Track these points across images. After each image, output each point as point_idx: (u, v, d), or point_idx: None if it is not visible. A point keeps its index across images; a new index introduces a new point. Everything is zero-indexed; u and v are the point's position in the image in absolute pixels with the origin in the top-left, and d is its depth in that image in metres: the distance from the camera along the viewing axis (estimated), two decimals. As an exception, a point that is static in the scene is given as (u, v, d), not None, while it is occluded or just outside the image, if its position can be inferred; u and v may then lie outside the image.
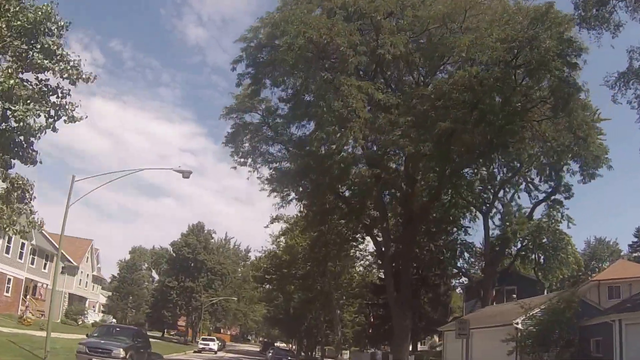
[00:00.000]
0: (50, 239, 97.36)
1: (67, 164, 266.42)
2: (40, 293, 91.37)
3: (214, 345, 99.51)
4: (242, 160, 56.54)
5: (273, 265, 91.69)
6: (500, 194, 67.20)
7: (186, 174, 39.14)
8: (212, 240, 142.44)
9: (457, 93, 43.51)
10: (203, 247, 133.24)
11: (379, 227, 59.78)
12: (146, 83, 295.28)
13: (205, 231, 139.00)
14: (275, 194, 57.59)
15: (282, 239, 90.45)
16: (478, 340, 47.68)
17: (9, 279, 76.07)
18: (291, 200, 58.48)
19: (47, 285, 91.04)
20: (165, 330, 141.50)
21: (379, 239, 60.02)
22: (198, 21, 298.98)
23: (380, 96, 44.07)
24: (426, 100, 44.67)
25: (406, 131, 43.07)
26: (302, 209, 63.70)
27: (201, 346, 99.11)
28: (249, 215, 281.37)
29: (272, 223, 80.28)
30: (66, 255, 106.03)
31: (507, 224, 66.24)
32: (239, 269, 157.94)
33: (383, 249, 58.72)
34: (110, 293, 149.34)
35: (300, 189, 56.74)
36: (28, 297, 78.76)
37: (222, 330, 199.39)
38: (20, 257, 79.76)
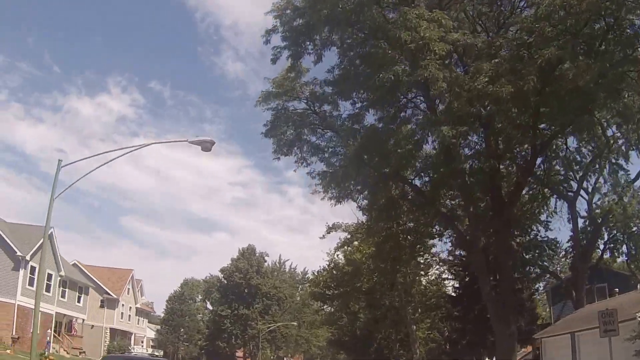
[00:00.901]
0: (85, 270, 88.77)
1: (113, 202, 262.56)
2: (74, 329, 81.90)
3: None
4: (285, 150, 45.47)
5: (334, 280, 79.47)
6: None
7: (206, 145, 29.32)
8: (266, 264, 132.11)
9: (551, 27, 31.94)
10: (255, 271, 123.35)
11: (462, 214, 48.60)
12: (189, 120, 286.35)
13: (257, 254, 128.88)
14: (330, 190, 45.88)
15: (339, 253, 79.01)
16: (587, 346, 36.60)
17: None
18: (349, 194, 46.92)
19: (83, 320, 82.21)
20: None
21: (462, 229, 48.57)
22: (235, 56, 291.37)
23: (455, 35, 33.12)
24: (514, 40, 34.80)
25: (498, 72, 32.13)
26: (362, 207, 52.30)
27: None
28: (304, 243, 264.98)
29: (329, 233, 69.87)
30: (103, 287, 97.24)
31: (598, 210, 57.33)
32: (297, 293, 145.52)
33: (468, 237, 47.14)
34: (159, 327, 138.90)
35: (358, 182, 45.33)
36: (49, 331, 68.70)
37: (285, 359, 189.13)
38: (48, 290, 71.39)
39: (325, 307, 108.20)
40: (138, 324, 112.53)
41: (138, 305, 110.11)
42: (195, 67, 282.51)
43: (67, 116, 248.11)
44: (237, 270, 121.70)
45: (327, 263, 76.86)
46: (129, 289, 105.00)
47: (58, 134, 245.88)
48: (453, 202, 49.63)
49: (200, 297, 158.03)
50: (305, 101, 45.03)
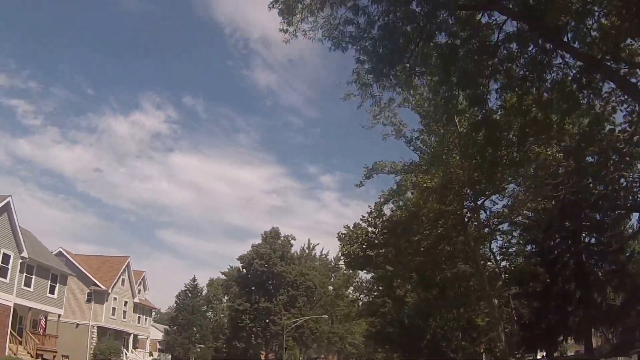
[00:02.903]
0: (70, 258, 70.52)
1: (151, 219, 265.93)
2: (41, 325, 63.31)
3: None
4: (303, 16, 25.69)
5: (378, 234, 55.80)
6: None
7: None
8: (292, 250, 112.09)
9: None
10: (280, 257, 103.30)
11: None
12: (223, 131, 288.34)
13: (282, 238, 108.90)
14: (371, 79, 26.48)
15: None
16: None
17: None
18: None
19: (59, 315, 65.47)
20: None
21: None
22: (265, 66, 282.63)
23: None
24: None
25: None
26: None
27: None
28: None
29: (370, 177, 50.23)
30: (90, 277, 78.13)
31: None
32: (329, 282, 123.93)
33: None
34: (167, 327, 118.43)
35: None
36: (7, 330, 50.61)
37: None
38: (4, 276, 54.60)
39: (362, 296, 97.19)
40: (138, 322, 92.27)
41: (137, 300, 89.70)
42: (226, 81, 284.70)
43: (103, 136, 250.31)
44: (258, 257, 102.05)
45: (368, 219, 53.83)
46: (123, 279, 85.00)
47: (94, 154, 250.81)
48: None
49: (226, 298, 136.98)
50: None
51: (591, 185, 51.39)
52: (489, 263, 56.64)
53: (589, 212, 57.27)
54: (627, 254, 58.34)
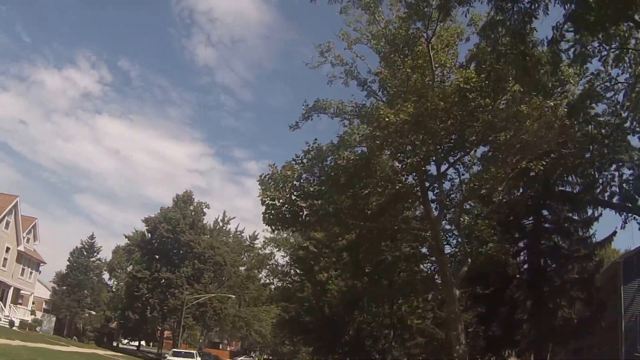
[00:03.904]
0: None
1: (71, 182, 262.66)
2: None
3: (191, 364, 56.36)
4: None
5: (317, 183, 41.21)
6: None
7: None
8: (204, 219, 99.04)
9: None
10: (189, 225, 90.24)
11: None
12: (155, 101, 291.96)
13: (195, 204, 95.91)
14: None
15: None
16: None
17: None
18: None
19: None
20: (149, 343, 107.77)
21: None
22: (207, 42, 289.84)
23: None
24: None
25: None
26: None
27: (170, 365, 55.73)
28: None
29: (308, 118, 37.95)
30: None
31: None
32: (241, 261, 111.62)
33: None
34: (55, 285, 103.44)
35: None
36: None
37: (221, 346, 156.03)
38: None
39: (276, 280, 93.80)
40: (22, 275, 78.55)
41: (22, 249, 75.61)
42: (166, 49, 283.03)
43: (33, 87, 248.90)
44: (165, 221, 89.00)
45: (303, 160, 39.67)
46: (8, 222, 71.17)
47: (22, 105, 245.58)
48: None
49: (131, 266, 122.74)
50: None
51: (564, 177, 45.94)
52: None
53: (557, 207, 48.85)
54: (595, 263, 50.04)
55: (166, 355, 68.28)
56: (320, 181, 32.84)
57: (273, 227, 35.74)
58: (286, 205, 33.30)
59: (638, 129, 41.33)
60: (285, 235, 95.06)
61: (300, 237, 78.89)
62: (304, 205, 32.44)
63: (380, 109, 29.21)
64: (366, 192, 32.33)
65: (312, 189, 32.75)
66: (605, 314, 49.56)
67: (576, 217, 50.14)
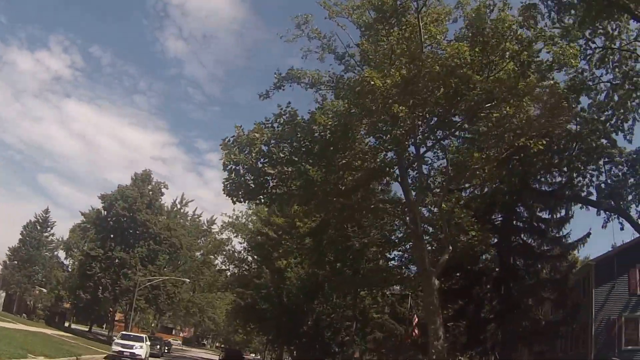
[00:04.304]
0: None
1: (36, 161, 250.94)
2: None
3: (139, 350, 52.33)
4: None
5: (287, 150, 37.82)
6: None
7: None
8: (163, 200, 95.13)
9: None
10: (147, 205, 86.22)
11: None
12: (123, 89, 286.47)
13: (153, 182, 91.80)
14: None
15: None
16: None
17: None
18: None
19: None
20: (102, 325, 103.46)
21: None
22: (179, 34, 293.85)
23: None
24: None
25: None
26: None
27: (117, 349, 51.57)
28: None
29: (280, 87, 34.06)
30: None
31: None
32: (197, 246, 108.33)
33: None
34: (6, 260, 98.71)
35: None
36: None
37: (174, 332, 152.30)
38: None
39: (232, 267, 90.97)
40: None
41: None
42: (138, 39, 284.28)
43: (4, 67, 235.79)
44: (122, 199, 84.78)
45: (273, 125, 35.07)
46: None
47: None
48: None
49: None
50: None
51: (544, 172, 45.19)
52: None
53: (532, 204, 47.94)
54: (568, 264, 49.87)
55: (114, 338, 64.36)
56: (291, 149, 29.09)
57: (234, 199, 31.41)
58: (249, 174, 29.62)
59: (622, 127, 39.88)
60: (244, 220, 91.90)
61: (260, 223, 76.05)
62: (271, 172, 28.38)
63: (366, 72, 25.67)
64: (342, 163, 28.63)
65: (282, 155, 28.93)
66: (578, 316, 47.71)
67: (549, 217, 48.92)
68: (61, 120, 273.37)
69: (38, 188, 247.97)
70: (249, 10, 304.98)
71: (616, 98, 39.53)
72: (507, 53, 27.48)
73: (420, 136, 31.10)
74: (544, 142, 28.80)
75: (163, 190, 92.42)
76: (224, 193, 30.41)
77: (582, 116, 39.21)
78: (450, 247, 30.43)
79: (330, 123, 27.66)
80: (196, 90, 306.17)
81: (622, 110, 39.71)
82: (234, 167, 28.97)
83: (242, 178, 29.96)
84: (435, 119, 29.02)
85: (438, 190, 34.67)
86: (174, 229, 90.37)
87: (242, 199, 31.36)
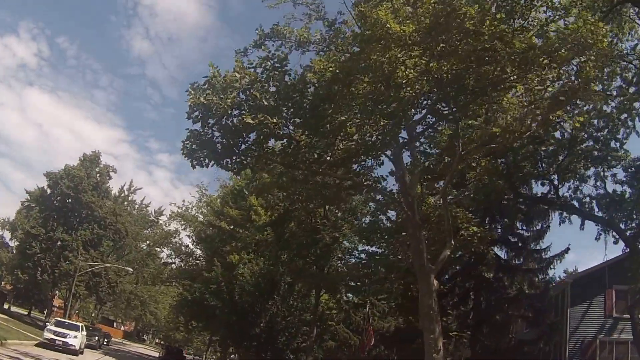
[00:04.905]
0: None
1: None
2: None
3: (73, 339, 46.95)
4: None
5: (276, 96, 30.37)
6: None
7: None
8: (110, 183, 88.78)
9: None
10: (93, 186, 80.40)
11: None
12: (84, 83, 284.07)
13: (102, 165, 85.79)
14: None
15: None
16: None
17: None
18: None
19: None
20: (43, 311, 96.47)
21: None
22: (145, 34, 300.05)
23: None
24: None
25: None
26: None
27: (49, 336, 46.37)
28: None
29: (258, 47, 28.17)
30: None
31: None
32: (143, 235, 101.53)
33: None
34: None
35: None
36: None
37: (115, 325, 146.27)
38: None
39: (179, 260, 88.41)
40: None
41: None
42: (104, 35, 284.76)
43: None
44: (68, 178, 78.76)
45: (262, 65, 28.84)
46: None
47: None
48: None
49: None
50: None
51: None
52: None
53: (514, 208, 44.33)
54: (547, 278, 47.67)
55: (47, 324, 58.60)
56: (277, 100, 23.34)
57: (195, 161, 25.17)
58: (219, 129, 23.79)
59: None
60: (194, 212, 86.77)
61: (212, 215, 71.63)
62: (250, 122, 22.23)
63: (379, 12, 20.24)
64: (335, 125, 23.19)
65: (265, 103, 23.09)
66: (554, 337, 44.76)
67: (527, 229, 46.76)
68: (21, 108, 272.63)
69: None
70: (216, 17, 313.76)
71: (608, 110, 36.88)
72: (536, 21, 23.10)
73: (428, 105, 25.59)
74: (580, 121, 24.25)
75: (111, 174, 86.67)
76: (183, 153, 24.21)
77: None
78: (453, 242, 25.19)
79: (331, 68, 21.99)
80: (154, 90, 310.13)
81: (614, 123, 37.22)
82: (201, 114, 22.82)
83: (210, 131, 24.27)
84: (454, 86, 23.38)
85: (435, 175, 29.70)
86: (120, 215, 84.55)
87: (205, 161, 25.03)
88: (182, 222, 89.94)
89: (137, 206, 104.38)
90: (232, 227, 62.30)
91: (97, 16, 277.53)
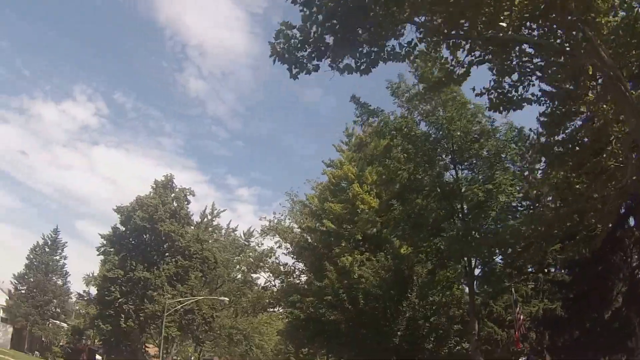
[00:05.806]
0: None
1: (69, 207, 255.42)
2: None
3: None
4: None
5: None
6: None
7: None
8: (189, 208, 78.62)
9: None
10: (170, 214, 70.51)
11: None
12: (148, 132, 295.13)
13: (177, 190, 75.89)
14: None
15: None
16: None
17: None
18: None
19: None
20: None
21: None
22: (198, 74, 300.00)
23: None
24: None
25: None
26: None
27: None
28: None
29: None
30: None
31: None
32: (235, 263, 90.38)
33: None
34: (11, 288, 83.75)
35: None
36: None
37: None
38: None
39: (278, 281, 72.24)
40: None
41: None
42: (158, 82, 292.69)
43: (32, 120, 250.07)
44: (141, 209, 69.14)
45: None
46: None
47: (21, 136, 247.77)
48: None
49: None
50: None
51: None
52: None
53: None
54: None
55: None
56: None
57: (296, 64, 14.48)
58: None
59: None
60: (287, 223, 75.74)
61: (310, 217, 61.22)
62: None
63: None
64: None
65: None
66: None
67: None
68: (91, 167, 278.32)
69: (76, 234, 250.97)
70: (263, 42, 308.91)
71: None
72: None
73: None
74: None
75: (189, 197, 76.71)
76: (273, 55, 14.14)
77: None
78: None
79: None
80: (219, 127, 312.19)
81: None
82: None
83: (318, 17, 13.71)
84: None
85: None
86: (206, 241, 74.54)
87: (317, 59, 14.65)
88: (277, 239, 78.78)
89: (223, 231, 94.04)
90: (337, 223, 53.11)
91: (148, 66, 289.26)
